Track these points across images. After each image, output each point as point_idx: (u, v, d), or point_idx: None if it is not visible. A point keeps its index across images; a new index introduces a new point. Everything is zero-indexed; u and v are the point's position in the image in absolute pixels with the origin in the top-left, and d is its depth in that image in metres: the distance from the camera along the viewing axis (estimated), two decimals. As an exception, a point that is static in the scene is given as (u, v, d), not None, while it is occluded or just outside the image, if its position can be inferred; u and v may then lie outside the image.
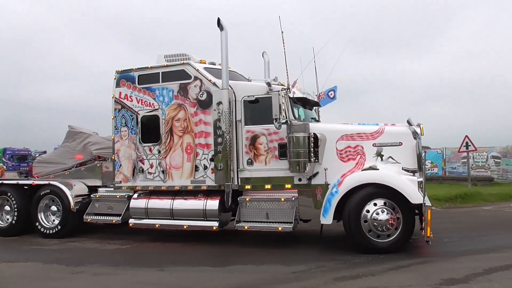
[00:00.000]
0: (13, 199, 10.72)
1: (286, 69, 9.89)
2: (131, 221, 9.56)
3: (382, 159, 8.17)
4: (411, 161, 8.09)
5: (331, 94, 26.14)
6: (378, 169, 8.01)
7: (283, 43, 10.13)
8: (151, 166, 9.53)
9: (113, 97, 9.99)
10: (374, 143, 8.26)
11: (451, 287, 5.45)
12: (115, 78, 9.91)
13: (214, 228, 8.76)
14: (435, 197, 14.29)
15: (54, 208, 10.51)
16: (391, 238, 7.56)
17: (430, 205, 7.32)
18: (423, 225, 7.34)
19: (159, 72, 9.55)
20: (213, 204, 8.83)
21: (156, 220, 9.30)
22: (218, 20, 8.70)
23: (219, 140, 8.67)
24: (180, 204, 9.11)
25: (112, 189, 10.18)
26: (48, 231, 10.35)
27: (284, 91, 8.40)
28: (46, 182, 10.62)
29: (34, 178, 11.69)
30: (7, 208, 10.88)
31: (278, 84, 8.63)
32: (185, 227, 8.99)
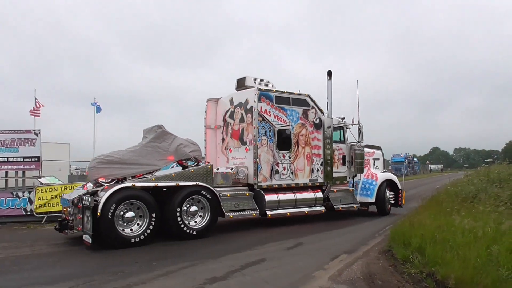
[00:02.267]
0: (146, 204, 9.32)
1: (358, 111, 14.85)
2: (268, 212, 11.49)
3: (375, 167, 15.47)
4: (383, 167, 16.03)
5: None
6: (382, 172, 15.30)
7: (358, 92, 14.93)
8: (284, 169, 12.06)
9: (255, 110, 11.57)
10: (373, 158, 15.46)
11: (213, 285, 5.91)
12: (256, 94, 11.62)
13: (323, 210, 12.83)
14: None
15: (194, 208, 10.10)
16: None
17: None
18: (400, 201, 15.23)
19: (289, 97, 12.31)
20: (319, 194, 12.74)
21: (286, 210, 12.00)
22: (329, 72, 13.01)
23: (327, 151, 12.95)
24: (301, 195, 12.33)
25: (229, 188, 11.36)
26: (193, 232, 9.87)
27: (350, 124, 14.22)
28: (194, 183, 10.11)
29: (101, 180, 10.01)
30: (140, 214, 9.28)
31: (343, 118, 14.22)
32: (306, 212, 12.35)
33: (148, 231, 9.27)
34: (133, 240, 8.96)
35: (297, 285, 5.98)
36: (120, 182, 9.84)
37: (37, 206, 13.07)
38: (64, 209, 10.18)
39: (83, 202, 8.94)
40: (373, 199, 14.21)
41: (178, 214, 9.74)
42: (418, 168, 74.57)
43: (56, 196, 13.23)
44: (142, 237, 9.11)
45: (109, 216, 8.69)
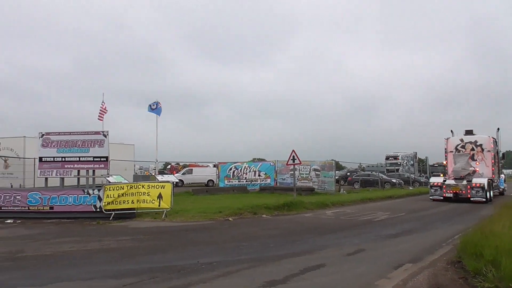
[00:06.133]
0: None
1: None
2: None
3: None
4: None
5: (155, 106, 29.62)
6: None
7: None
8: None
9: (489, 148, 22.82)
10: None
11: (272, 288, 5.85)
12: (491, 141, 21.35)
13: None
14: (266, 206, 15.79)
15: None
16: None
17: None
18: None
19: (496, 140, 24.38)
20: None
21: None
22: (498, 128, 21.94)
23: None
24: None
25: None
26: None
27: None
28: None
29: None
30: None
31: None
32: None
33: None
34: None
35: (359, 293, 5.77)
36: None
37: (106, 203, 13.81)
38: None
39: None
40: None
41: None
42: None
43: (122, 195, 13.89)
44: None
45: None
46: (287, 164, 22.52)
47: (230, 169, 28.59)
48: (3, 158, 23.92)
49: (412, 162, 48.04)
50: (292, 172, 23.46)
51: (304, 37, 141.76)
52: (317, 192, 25.68)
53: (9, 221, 13.56)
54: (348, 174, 40.62)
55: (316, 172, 27.61)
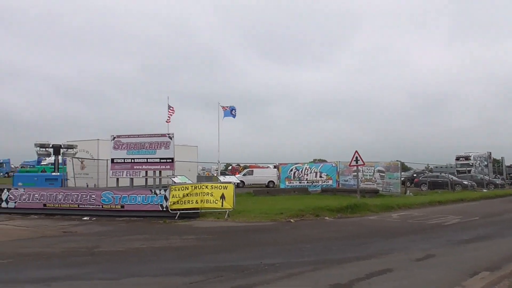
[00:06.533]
0: None
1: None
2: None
3: None
4: None
5: (233, 112, 29.73)
6: None
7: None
8: None
9: None
10: None
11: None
12: None
13: None
14: (328, 208, 15.52)
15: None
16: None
17: None
18: None
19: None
20: None
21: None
22: None
23: None
24: None
25: None
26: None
27: None
28: None
29: None
30: None
31: None
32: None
33: None
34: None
35: (431, 302, 5.47)
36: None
37: (171, 203, 14.37)
38: None
39: None
40: None
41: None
42: None
43: (187, 195, 14.37)
44: None
45: None
46: (350, 165, 21.95)
47: (291, 170, 28.50)
48: (80, 159, 25.76)
49: (486, 163, 45.02)
50: (355, 173, 22.88)
51: (366, 33, 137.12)
52: (382, 194, 24.76)
53: (85, 218, 14.58)
54: (415, 175, 38.86)
55: (381, 174, 26.70)
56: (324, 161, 35.37)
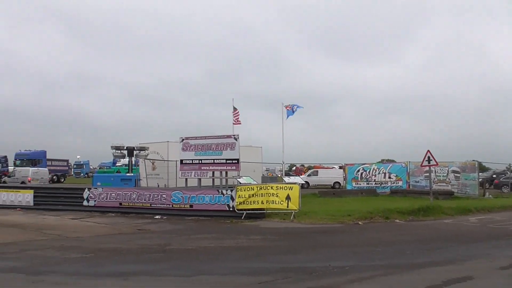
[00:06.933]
0: None
1: None
2: None
3: None
4: None
5: (294, 108, 28.97)
6: None
7: None
8: None
9: None
10: None
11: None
12: None
13: None
14: (399, 210, 14.90)
15: None
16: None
17: None
18: None
19: None
20: None
21: None
22: None
23: None
24: None
25: None
26: None
27: None
28: None
29: None
30: None
31: None
32: None
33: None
34: None
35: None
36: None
37: (238, 203, 14.57)
38: None
39: None
40: None
41: None
42: None
43: (253, 195, 14.49)
44: None
45: None
46: (421, 166, 20.81)
47: (358, 170, 27.69)
48: (151, 160, 27.10)
49: None
50: (427, 174, 21.71)
51: (436, 25, 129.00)
52: (457, 196, 23.23)
53: (157, 216, 15.26)
54: (494, 176, 35.99)
55: (456, 174, 24.87)
56: (393, 161, 33.89)
